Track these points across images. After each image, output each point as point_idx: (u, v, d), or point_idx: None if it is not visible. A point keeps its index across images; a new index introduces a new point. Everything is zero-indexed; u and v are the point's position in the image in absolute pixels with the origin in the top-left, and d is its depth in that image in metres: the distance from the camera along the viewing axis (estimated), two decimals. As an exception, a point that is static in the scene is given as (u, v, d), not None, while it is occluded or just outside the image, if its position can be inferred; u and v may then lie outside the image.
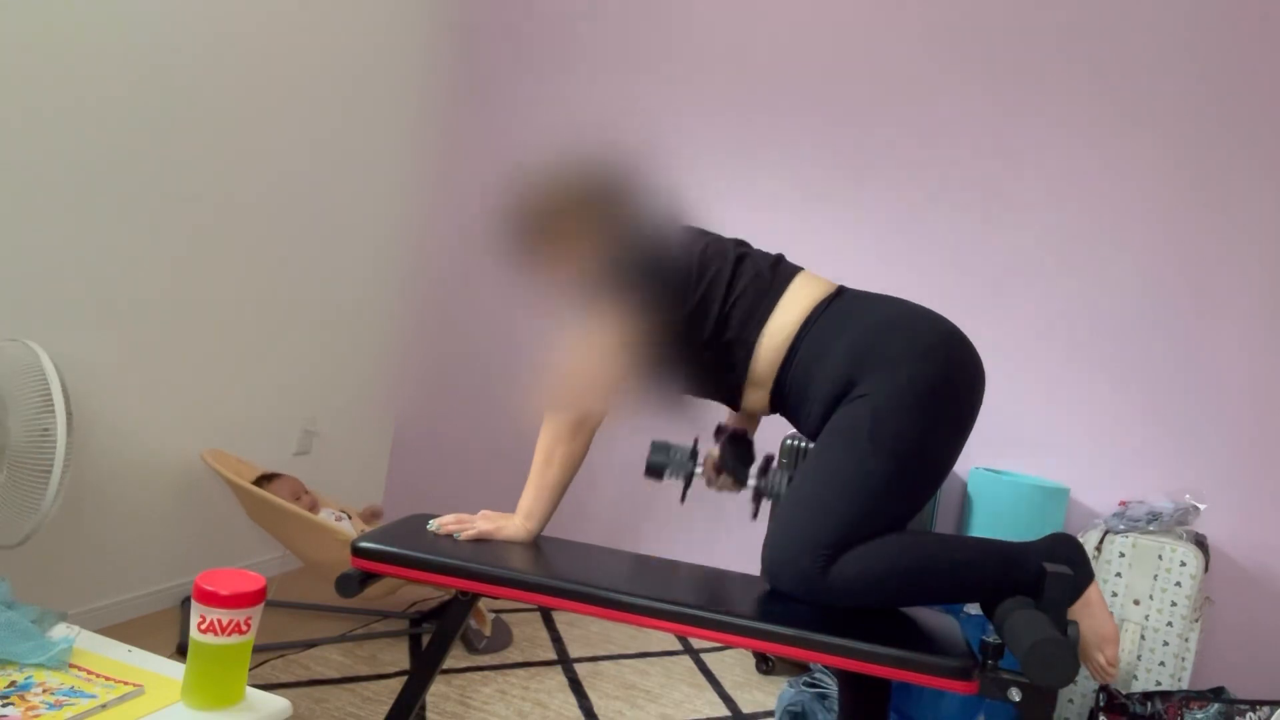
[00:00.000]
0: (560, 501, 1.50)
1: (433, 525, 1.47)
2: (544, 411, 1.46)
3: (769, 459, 1.61)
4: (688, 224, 1.55)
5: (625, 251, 1.47)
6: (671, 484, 2.86)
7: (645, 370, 1.50)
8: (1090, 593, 1.31)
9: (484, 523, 1.46)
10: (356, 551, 1.34)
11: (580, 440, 1.44)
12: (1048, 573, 1.25)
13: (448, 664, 2.21)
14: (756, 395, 1.48)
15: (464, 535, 1.44)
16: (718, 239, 1.51)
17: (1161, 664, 2.05)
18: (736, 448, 1.62)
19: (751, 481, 1.56)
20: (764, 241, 2.74)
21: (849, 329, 1.38)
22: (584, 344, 1.44)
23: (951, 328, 1.41)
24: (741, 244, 1.52)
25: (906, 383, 1.32)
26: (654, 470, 1.56)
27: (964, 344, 1.40)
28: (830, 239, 2.71)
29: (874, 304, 1.43)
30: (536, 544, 1.48)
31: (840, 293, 1.46)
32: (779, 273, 1.47)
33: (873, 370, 1.34)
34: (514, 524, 1.47)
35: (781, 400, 1.46)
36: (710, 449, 1.63)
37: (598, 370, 1.43)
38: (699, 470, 1.58)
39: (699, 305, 1.44)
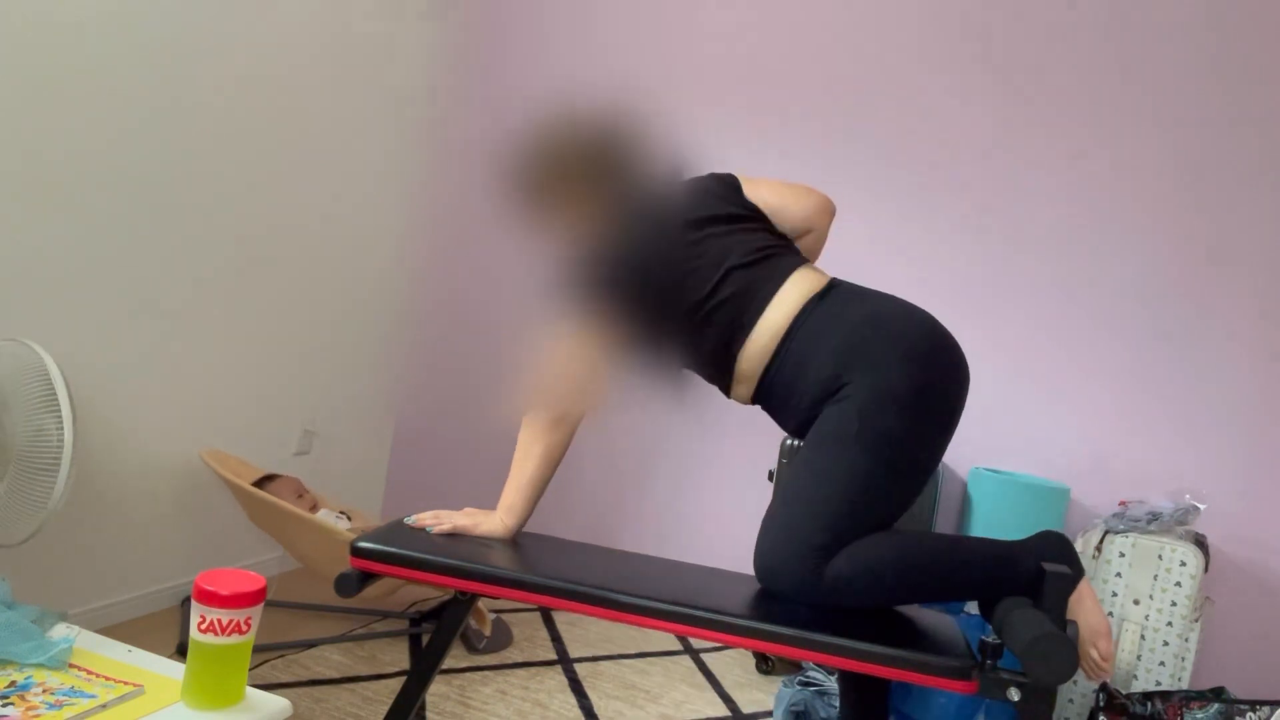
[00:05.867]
0: (540, 497, 1.49)
1: (409, 520, 1.46)
2: (524, 409, 1.46)
3: None
4: (690, 216, 1.46)
5: (607, 248, 1.45)
6: (664, 483, 2.86)
7: (635, 357, 1.49)
8: (1082, 588, 1.31)
9: (462, 518, 1.46)
10: (355, 551, 1.34)
11: (558, 436, 1.45)
12: (1047, 572, 1.25)
13: (448, 664, 2.21)
14: (741, 389, 1.48)
15: (437, 530, 1.43)
16: (716, 241, 1.44)
17: (1161, 664, 2.05)
18: None
19: None
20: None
21: (835, 331, 1.37)
22: (559, 341, 1.44)
23: (937, 327, 1.40)
24: (736, 244, 1.44)
25: (893, 383, 1.32)
26: None
27: (949, 344, 1.39)
28: (830, 236, 2.71)
29: (861, 303, 1.41)
30: (537, 544, 1.48)
31: (829, 290, 1.43)
32: (771, 273, 1.43)
33: (859, 371, 1.33)
34: (493, 520, 1.47)
35: (765, 397, 1.46)
36: None
37: (573, 368, 1.43)
38: None
39: (685, 311, 1.42)
